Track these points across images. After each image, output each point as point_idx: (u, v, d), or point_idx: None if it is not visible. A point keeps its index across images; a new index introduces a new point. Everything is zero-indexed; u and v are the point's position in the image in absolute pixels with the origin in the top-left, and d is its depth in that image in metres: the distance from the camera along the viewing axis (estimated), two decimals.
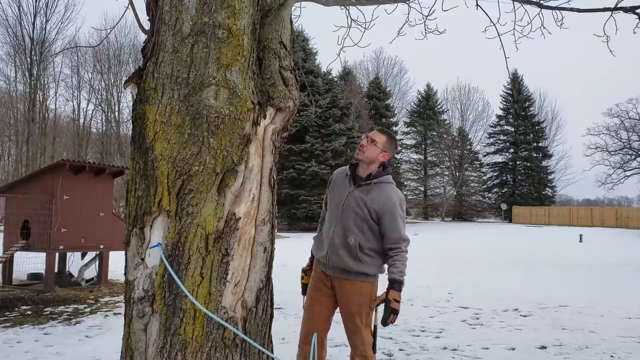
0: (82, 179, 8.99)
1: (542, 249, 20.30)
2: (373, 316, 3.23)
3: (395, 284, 3.02)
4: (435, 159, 52.62)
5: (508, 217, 46.66)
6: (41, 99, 36.93)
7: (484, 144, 54.29)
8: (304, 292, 3.47)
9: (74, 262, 9.75)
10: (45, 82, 37.80)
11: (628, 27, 3.86)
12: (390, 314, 2.97)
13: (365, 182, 3.21)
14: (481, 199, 53.20)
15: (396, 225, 3.12)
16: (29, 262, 9.65)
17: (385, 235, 3.14)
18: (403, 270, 3.06)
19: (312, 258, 3.50)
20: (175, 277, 2.40)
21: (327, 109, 32.48)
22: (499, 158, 53.16)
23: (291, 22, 3.04)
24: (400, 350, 5.15)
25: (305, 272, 3.50)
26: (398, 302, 3.00)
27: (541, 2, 3.70)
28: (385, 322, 2.98)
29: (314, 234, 3.52)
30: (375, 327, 3.25)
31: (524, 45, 4.34)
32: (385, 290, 3.06)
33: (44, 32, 36.18)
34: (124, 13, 3.30)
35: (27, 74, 35.95)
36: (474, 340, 5.59)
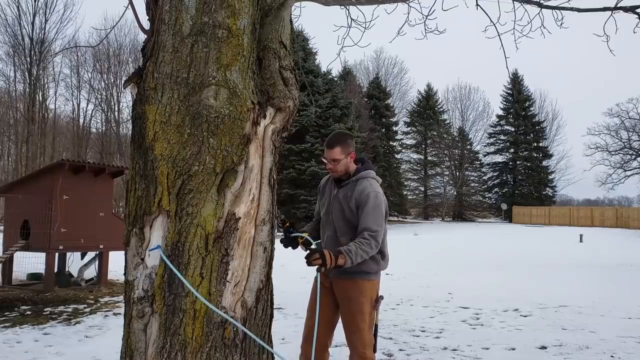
0: (82, 179, 8.99)
1: (542, 249, 20.29)
2: (375, 316, 3.23)
3: (339, 252, 2.94)
4: (435, 159, 52.64)
5: (508, 217, 46.65)
6: (41, 98, 36.90)
7: (484, 144, 54.35)
8: (284, 243, 3.38)
9: (74, 262, 9.76)
10: (45, 82, 37.79)
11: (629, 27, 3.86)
12: (315, 255, 2.87)
13: (345, 182, 3.31)
14: (481, 199, 53.22)
15: (364, 216, 3.13)
16: (29, 262, 9.65)
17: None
18: (352, 250, 2.96)
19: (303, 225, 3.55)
20: (179, 274, 2.40)
21: (327, 109, 32.45)
22: (499, 158, 53.18)
23: (291, 22, 3.04)
24: (400, 350, 5.15)
25: (284, 221, 3.48)
26: (325, 260, 2.86)
27: (541, 2, 3.70)
28: (307, 260, 2.90)
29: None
30: (376, 325, 3.24)
31: (524, 45, 4.34)
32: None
33: (43, 31, 36.15)
34: (124, 13, 3.30)
35: (26, 73, 35.91)
36: (474, 340, 5.59)
